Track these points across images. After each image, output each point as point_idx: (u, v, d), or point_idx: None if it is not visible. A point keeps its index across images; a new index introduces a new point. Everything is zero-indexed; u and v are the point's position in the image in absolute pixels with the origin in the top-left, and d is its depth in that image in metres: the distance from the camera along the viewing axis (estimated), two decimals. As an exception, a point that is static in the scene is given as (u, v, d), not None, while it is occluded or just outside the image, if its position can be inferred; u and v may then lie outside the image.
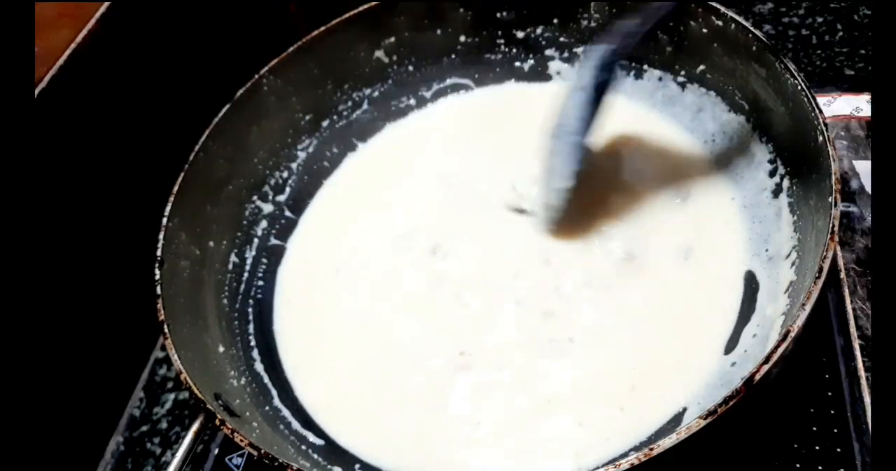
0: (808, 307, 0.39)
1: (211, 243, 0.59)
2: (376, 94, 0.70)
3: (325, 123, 0.68)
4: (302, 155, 0.68)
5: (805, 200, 0.49)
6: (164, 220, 0.53)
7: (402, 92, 0.70)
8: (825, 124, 0.45)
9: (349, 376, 0.54)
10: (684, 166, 0.59)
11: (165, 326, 0.48)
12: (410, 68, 0.69)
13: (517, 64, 0.69)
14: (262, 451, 0.40)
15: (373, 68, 0.68)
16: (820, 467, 0.47)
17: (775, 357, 0.37)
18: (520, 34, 0.67)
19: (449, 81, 0.70)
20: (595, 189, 0.58)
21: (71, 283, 0.62)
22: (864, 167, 0.60)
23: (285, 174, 0.67)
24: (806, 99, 0.47)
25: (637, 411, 0.47)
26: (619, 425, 0.47)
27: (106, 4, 0.64)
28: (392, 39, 0.67)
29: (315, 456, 0.50)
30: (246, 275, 0.61)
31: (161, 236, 0.52)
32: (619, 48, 0.51)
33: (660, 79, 0.63)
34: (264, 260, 0.63)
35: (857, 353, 0.51)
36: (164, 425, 0.65)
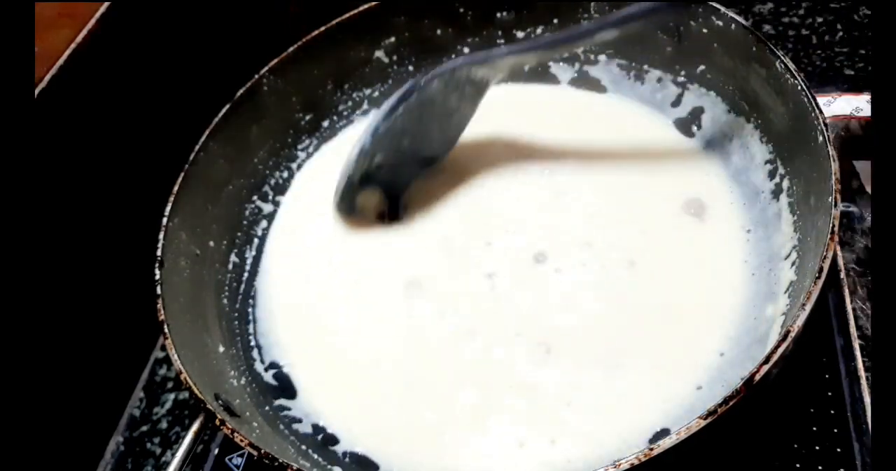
0: (808, 307, 0.39)
1: (211, 243, 0.59)
2: (376, 94, 0.70)
3: (325, 123, 0.68)
4: (302, 155, 0.68)
5: (805, 200, 0.49)
6: (164, 220, 0.53)
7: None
8: (825, 124, 0.45)
9: (350, 374, 0.54)
10: (682, 166, 0.59)
11: (165, 326, 0.48)
12: (410, 68, 0.69)
13: (517, 64, 0.69)
14: (262, 451, 0.40)
15: (373, 68, 0.68)
16: (820, 467, 0.47)
17: (775, 357, 0.37)
18: (520, 34, 0.67)
19: (449, 81, 0.70)
20: (589, 189, 0.59)
21: (71, 283, 0.62)
22: (864, 167, 0.60)
23: (285, 174, 0.67)
24: (806, 99, 0.47)
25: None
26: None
27: (106, 4, 0.64)
28: (392, 39, 0.67)
29: (315, 456, 0.50)
30: (246, 275, 0.61)
31: (161, 236, 0.52)
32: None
33: (659, 79, 0.63)
34: (264, 260, 0.63)
35: (857, 353, 0.51)
36: (164, 425, 0.65)
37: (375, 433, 0.51)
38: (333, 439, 0.52)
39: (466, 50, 0.68)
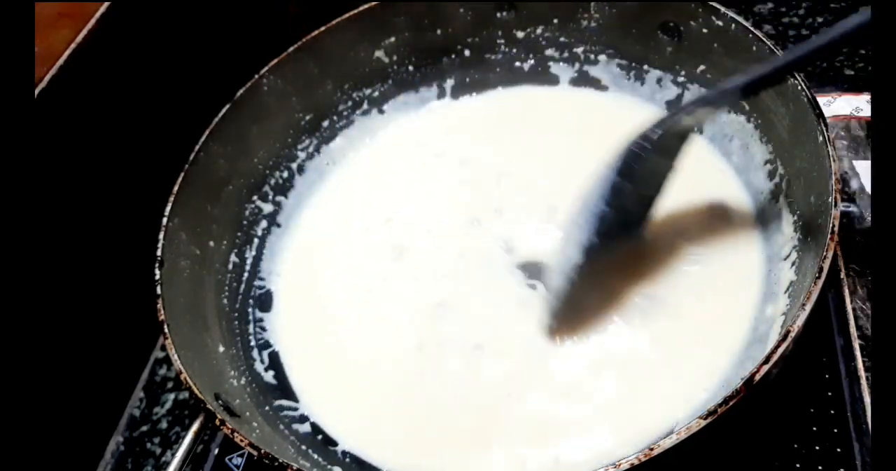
0: (808, 307, 0.39)
1: (211, 243, 0.59)
2: (376, 94, 0.69)
3: (325, 123, 0.68)
4: (302, 155, 0.67)
5: (805, 200, 0.49)
6: (164, 220, 0.53)
7: (401, 92, 0.70)
8: (825, 124, 0.45)
9: (349, 374, 0.54)
10: (682, 166, 0.59)
11: (165, 326, 0.48)
12: (410, 68, 0.69)
13: (517, 64, 0.69)
14: (262, 451, 0.40)
15: (373, 68, 0.68)
16: (820, 467, 0.47)
17: (775, 357, 0.37)
18: (520, 34, 0.67)
19: (449, 82, 0.70)
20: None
21: (71, 283, 0.62)
22: (864, 167, 0.60)
23: (285, 174, 0.67)
24: (806, 99, 0.47)
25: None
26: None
27: (106, 4, 0.64)
28: (392, 39, 0.67)
29: (315, 456, 0.50)
30: (246, 275, 0.61)
31: (161, 236, 0.52)
32: (669, 123, 0.47)
33: (659, 79, 0.63)
34: (264, 260, 0.63)
35: (857, 353, 0.51)
36: (164, 425, 0.65)
37: (375, 436, 0.51)
38: (333, 440, 0.52)
39: (467, 52, 0.68)
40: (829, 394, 0.50)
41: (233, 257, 0.61)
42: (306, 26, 0.65)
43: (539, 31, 0.67)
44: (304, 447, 0.51)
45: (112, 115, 0.66)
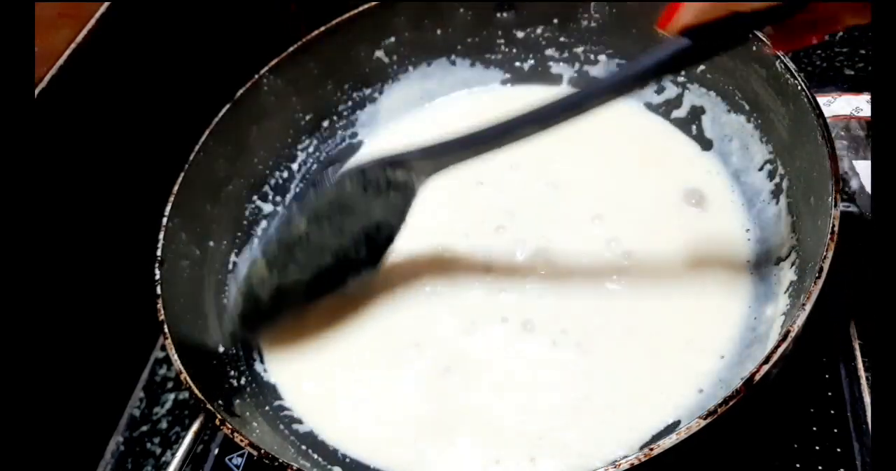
0: (808, 307, 0.39)
1: (211, 243, 0.59)
2: (376, 94, 0.69)
3: (325, 123, 0.68)
4: (302, 155, 0.67)
5: (805, 200, 0.49)
6: (164, 220, 0.53)
7: (402, 92, 0.70)
8: (825, 124, 0.45)
9: (349, 374, 0.54)
10: (682, 166, 0.59)
11: (165, 327, 0.48)
12: (410, 68, 0.69)
13: (517, 64, 0.69)
14: (262, 451, 0.40)
15: (373, 68, 0.68)
16: (820, 467, 0.47)
17: (775, 357, 0.37)
18: (520, 34, 0.67)
19: (449, 81, 0.70)
20: (587, 192, 0.59)
21: (71, 283, 0.62)
22: (864, 167, 0.60)
23: (285, 174, 0.67)
24: (806, 99, 0.47)
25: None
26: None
27: (106, 4, 0.64)
28: (392, 39, 0.67)
29: (315, 456, 0.50)
30: (246, 275, 0.61)
31: (161, 236, 0.52)
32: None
33: (659, 79, 0.63)
34: (264, 260, 0.63)
35: (857, 353, 0.51)
36: (164, 425, 0.65)
37: (375, 437, 0.51)
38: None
39: (467, 52, 0.68)
40: (829, 394, 0.50)
41: (233, 257, 0.61)
42: (306, 26, 0.65)
43: (539, 31, 0.67)
44: (304, 447, 0.51)
45: (112, 115, 0.66)
